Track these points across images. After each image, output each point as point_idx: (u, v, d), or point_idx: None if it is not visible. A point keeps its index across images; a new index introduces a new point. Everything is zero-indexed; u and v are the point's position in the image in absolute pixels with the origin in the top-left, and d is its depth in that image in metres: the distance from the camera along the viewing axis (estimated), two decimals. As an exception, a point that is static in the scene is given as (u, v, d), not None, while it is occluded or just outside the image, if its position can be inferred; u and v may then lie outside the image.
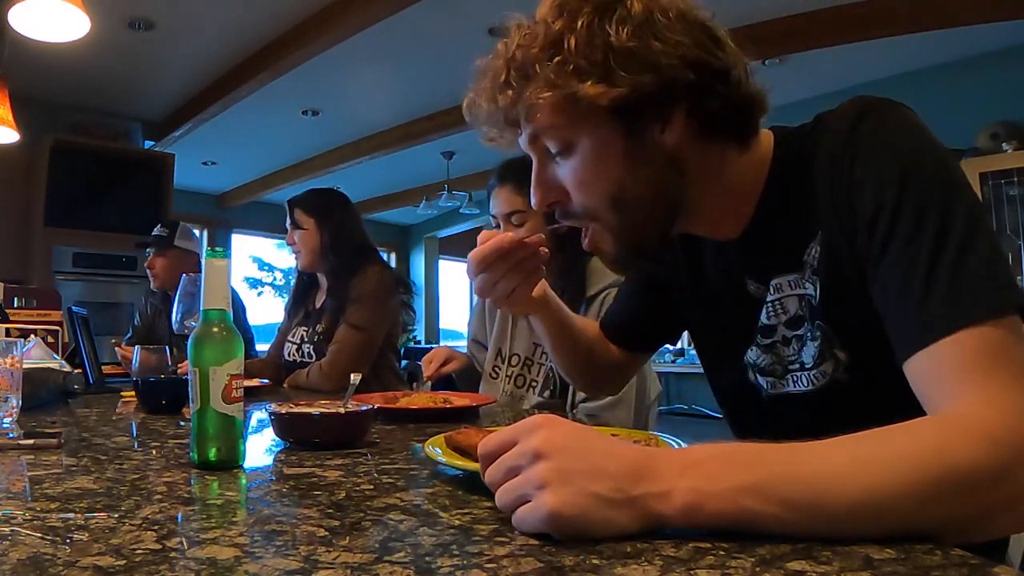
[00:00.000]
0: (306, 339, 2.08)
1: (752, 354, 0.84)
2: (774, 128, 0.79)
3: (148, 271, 2.68)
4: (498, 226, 1.65)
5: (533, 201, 0.78)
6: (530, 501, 0.48)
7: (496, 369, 1.70)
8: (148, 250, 2.68)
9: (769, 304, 0.80)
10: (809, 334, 0.77)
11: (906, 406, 0.55)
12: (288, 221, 2.09)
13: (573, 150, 0.72)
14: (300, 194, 2.15)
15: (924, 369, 0.57)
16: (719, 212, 0.78)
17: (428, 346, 7.92)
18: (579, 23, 0.67)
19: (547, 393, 1.60)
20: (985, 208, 3.51)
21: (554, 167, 0.75)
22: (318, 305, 2.11)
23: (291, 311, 2.21)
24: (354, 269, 2.00)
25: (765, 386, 0.84)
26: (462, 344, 2.06)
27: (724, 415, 0.96)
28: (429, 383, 1.64)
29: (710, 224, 0.80)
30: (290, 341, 2.13)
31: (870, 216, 0.64)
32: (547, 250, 0.89)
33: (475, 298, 1.90)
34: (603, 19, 0.67)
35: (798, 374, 0.80)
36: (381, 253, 2.19)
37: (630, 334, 1.10)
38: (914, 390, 0.58)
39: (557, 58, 0.67)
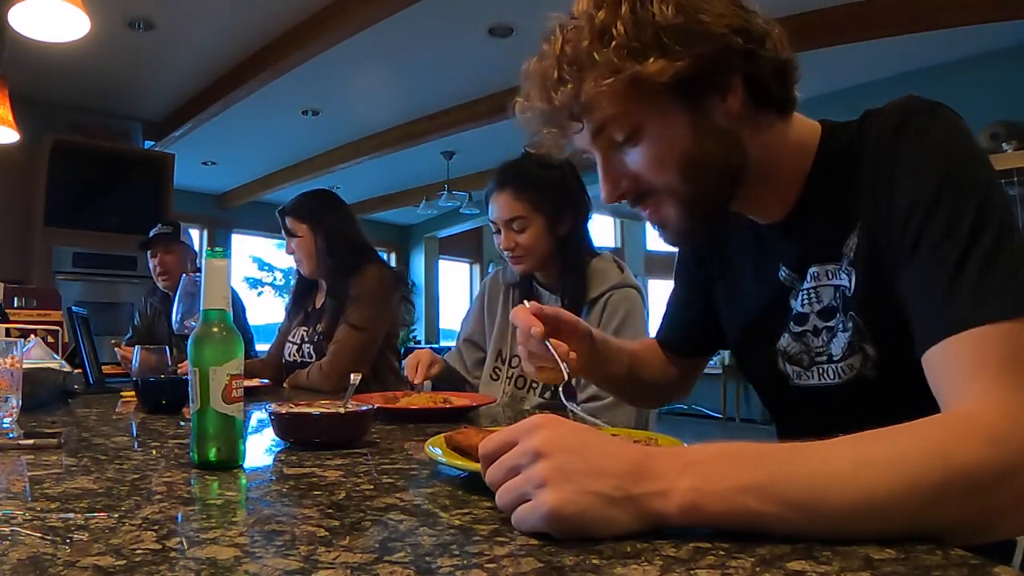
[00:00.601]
0: (306, 339, 2.07)
1: (783, 341, 0.85)
2: (822, 120, 0.80)
3: (157, 271, 2.58)
4: (498, 232, 1.61)
5: (603, 194, 0.78)
6: (530, 500, 0.48)
7: (496, 370, 1.69)
8: (150, 250, 2.62)
9: (804, 292, 0.81)
10: (841, 325, 0.78)
11: (930, 407, 0.56)
12: (283, 231, 2.07)
13: (641, 133, 0.73)
14: (289, 201, 2.10)
15: (940, 361, 0.58)
16: (766, 191, 0.79)
17: (427, 346, 7.92)
18: (623, 9, 0.69)
19: (547, 394, 1.59)
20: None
21: (619, 156, 0.76)
22: (318, 305, 2.10)
23: (291, 311, 2.21)
24: (353, 269, 1.99)
25: (792, 375, 0.85)
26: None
27: (762, 402, 0.97)
28: (422, 386, 1.62)
29: (757, 205, 0.81)
30: (290, 341, 2.13)
31: (905, 211, 0.65)
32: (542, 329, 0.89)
33: (474, 298, 1.88)
34: (644, 2, 0.68)
35: (825, 366, 0.80)
36: (381, 253, 2.18)
37: (685, 342, 1.11)
38: (929, 382, 0.59)
39: (613, 43, 0.68)
